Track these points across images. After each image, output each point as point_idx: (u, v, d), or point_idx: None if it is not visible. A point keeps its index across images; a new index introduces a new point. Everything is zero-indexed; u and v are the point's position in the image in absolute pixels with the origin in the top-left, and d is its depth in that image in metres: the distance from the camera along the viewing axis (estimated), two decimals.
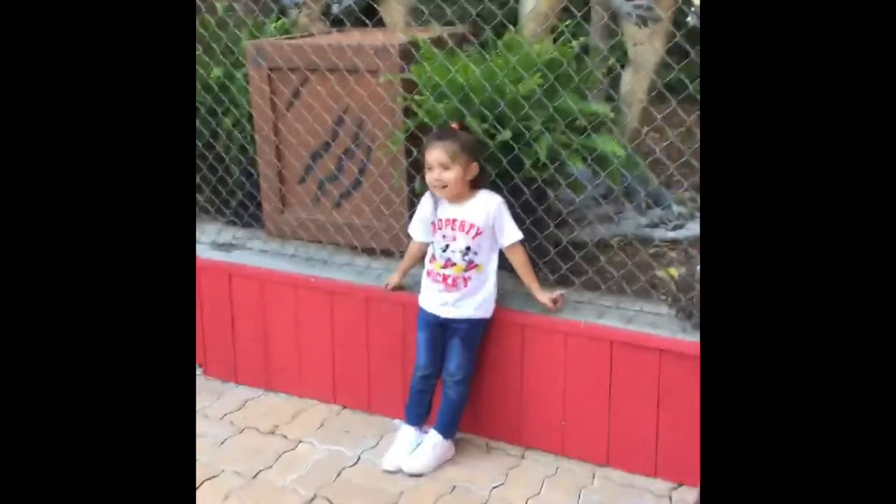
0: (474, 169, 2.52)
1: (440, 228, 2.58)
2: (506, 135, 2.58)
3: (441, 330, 2.62)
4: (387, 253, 3.03)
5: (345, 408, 2.98)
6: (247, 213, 3.33)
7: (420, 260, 2.73)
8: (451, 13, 2.94)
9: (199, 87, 3.19)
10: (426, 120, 2.70)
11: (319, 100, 3.02)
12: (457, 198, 2.55)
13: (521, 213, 2.63)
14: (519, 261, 2.58)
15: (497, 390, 2.71)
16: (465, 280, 2.55)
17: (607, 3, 2.97)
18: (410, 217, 2.89)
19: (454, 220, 2.56)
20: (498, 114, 2.59)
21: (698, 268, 2.47)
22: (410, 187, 2.88)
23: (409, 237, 2.81)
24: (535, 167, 2.66)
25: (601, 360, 2.53)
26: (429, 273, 2.63)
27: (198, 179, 3.35)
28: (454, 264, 2.55)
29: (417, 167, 2.82)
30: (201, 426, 2.86)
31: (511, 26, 2.81)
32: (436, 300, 2.60)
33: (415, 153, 2.82)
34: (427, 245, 2.68)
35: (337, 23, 3.82)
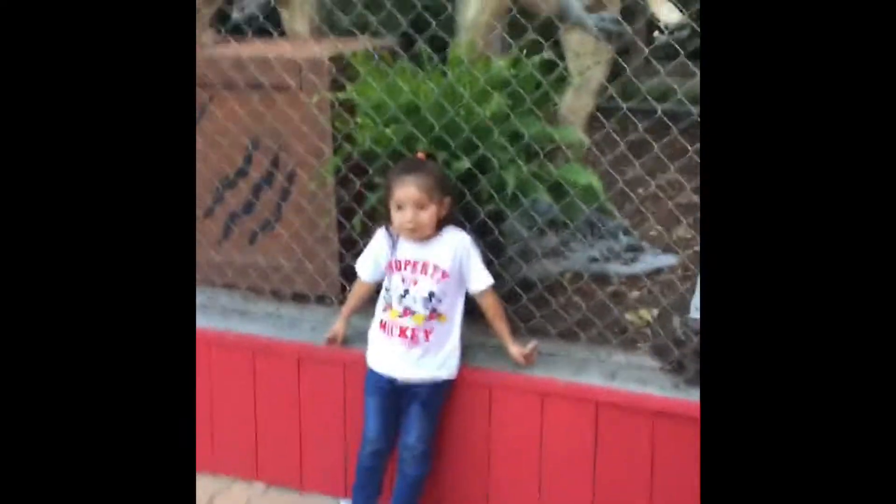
0: (447, 205, 2.15)
1: (399, 270, 2.18)
2: (462, 165, 2.22)
3: (396, 395, 2.21)
4: (320, 300, 2.59)
5: (270, 486, 2.51)
6: None
7: (366, 302, 2.32)
8: (375, 21, 2.52)
9: None
10: (372, 147, 2.29)
11: (233, 119, 2.55)
12: (420, 238, 2.17)
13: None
14: (492, 309, 2.22)
15: (460, 461, 2.32)
16: (427, 333, 2.15)
17: (566, 14, 2.66)
18: (345, 257, 2.48)
19: (416, 262, 2.17)
20: (462, 141, 2.22)
21: (692, 316, 2.19)
22: (350, 224, 2.45)
23: (347, 281, 2.40)
24: (489, 200, 2.31)
25: (584, 424, 2.20)
26: (382, 325, 2.21)
27: None
28: (414, 313, 2.15)
29: (359, 200, 2.41)
30: None
31: (444, 36, 2.45)
32: (391, 358, 2.19)
33: (357, 184, 2.40)
34: (374, 285, 2.27)
35: (232, 32, 3.31)
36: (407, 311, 2.16)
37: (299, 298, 2.60)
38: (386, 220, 2.21)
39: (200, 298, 2.65)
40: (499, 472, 2.29)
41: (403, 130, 2.24)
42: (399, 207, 2.11)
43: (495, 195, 2.25)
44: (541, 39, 2.38)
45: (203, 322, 2.52)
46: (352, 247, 2.44)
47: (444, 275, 2.15)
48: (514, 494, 2.29)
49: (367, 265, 2.27)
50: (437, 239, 2.17)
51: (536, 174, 2.24)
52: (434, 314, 2.16)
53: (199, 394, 2.51)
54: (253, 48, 2.70)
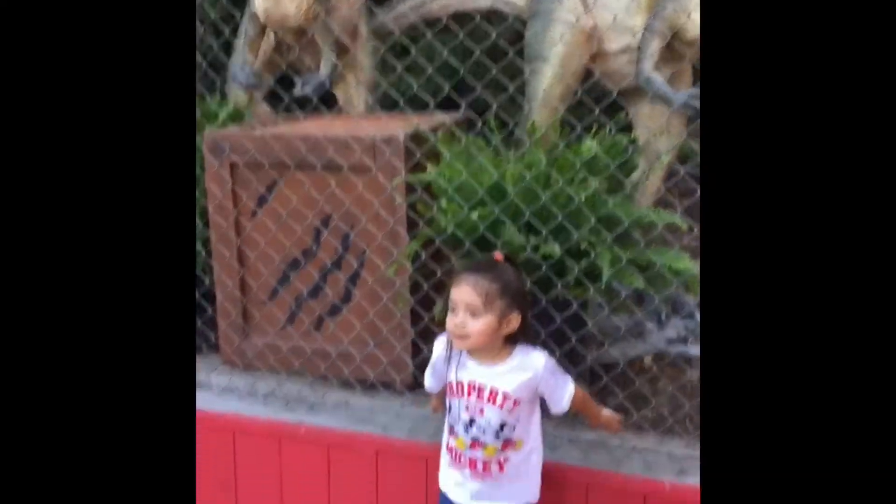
0: (514, 322, 1.80)
1: (460, 396, 1.86)
2: (554, 250, 2.10)
3: None
4: (388, 386, 2.45)
5: None
6: (206, 343, 2.67)
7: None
8: (432, 96, 2.44)
9: None
10: (456, 232, 2.18)
11: (302, 198, 2.45)
12: (485, 354, 1.84)
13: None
14: (579, 405, 1.96)
15: None
16: (501, 464, 1.84)
17: (647, 86, 2.56)
18: (421, 349, 2.34)
19: (482, 388, 1.83)
20: (552, 225, 2.11)
21: None
22: (430, 315, 2.33)
23: (422, 375, 2.26)
24: (578, 286, 2.20)
25: None
26: (450, 450, 1.91)
27: None
28: (485, 446, 1.83)
29: (438, 289, 2.29)
30: None
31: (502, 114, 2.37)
32: (463, 490, 1.89)
33: (438, 273, 2.28)
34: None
35: (285, 108, 3.23)
36: (476, 444, 1.84)
37: (370, 388, 2.46)
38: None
39: (263, 387, 2.52)
40: None
41: (490, 215, 2.13)
42: (452, 309, 1.79)
43: (588, 283, 2.13)
44: (605, 117, 2.29)
45: (268, 413, 2.39)
46: (429, 339, 2.31)
47: (516, 403, 1.82)
48: None
49: (432, 379, 1.99)
50: (507, 360, 1.83)
51: (632, 260, 2.12)
52: (508, 443, 1.84)
53: (269, 491, 2.36)
54: (324, 125, 2.62)
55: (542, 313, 2.16)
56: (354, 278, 2.50)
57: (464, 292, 1.77)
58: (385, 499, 2.28)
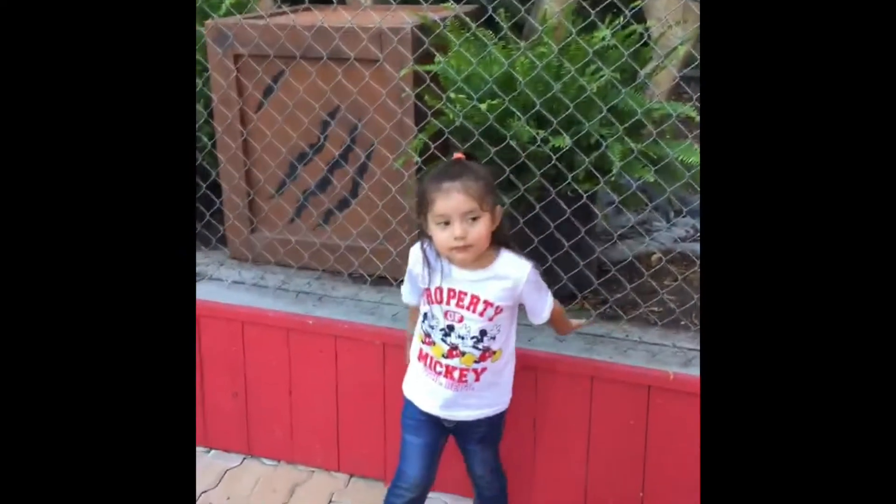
0: (498, 215, 1.76)
1: (439, 302, 1.79)
2: (564, 142, 2.07)
3: (443, 432, 1.91)
4: (397, 279, 2.45)
5: (353, 477, 2.42)
6: (215, 237, 2.67)
7: None
8: None
9: None
10: (465, 123, 2.15)
11: (308, 89, 2.40)
12: (473, 260, 1.77)
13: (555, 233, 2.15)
14: (556, 318, 1.95)
15: (556, 455, 2.22)
16: (478, 373, 1.81)
17: None
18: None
19: (463, 294, 1.77)
20: (562, 116, 2.07)
21: None
22: None
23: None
24: (586, 180, 2.17)
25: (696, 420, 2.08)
26: (423, 357, 1.85)
27: None
28: (463, 354, 1.79)
29: None
30: None
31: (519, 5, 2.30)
32: (435, 399, 1.85)
33: (443, 159, 2.25)
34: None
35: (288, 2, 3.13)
36: (454, 352, 1.79)
37: (379, 282, 2.47)
38: (424, 236, 1.81)
39: (272, 280, 2.53)
40: (598, 463, 2.18)
41: (499, 106, 2.09)
42: (444, 222, 1.70)
43: (598, 175, 2.11)
44: (620, 6, 2.22)
45: (278, 306, 2.41)
46: None
47: (499, 310, 1.77)
48: (616, 493, 2.19)
49: (410, 292, 1.92)
50: (491, 266, 1.77)
51: (643, 153, 2.09)
52: (487, 353, 1.80)
53: (278, 381, 2.40)
54: (330, 15, 2.55)
55: (551, 205, 2.15)
56: (362, 171, 2.48)
57: (457, 201, 1.68)
58: (392, 390, 2.31)
